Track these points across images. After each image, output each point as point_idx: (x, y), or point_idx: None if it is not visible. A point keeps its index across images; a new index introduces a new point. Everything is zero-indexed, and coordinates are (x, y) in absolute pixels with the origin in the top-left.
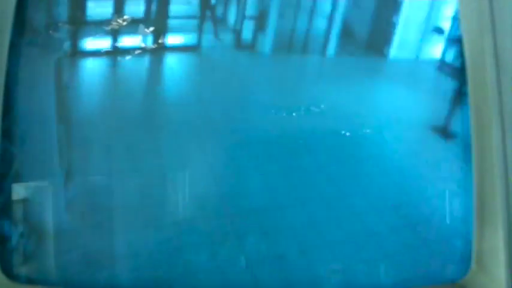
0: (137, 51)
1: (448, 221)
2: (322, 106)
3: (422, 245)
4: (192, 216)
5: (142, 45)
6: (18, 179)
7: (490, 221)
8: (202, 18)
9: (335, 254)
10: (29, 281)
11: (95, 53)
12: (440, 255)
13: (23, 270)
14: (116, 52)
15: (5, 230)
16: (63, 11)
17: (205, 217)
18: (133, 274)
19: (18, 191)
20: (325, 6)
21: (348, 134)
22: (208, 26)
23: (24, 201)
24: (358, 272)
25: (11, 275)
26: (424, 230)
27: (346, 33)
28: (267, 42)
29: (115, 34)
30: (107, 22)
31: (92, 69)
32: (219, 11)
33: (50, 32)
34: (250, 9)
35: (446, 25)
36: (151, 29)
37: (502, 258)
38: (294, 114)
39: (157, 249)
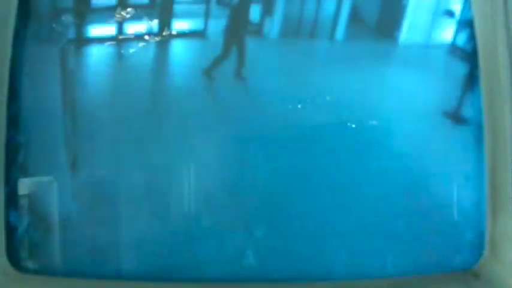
0: (143, 39)
1: (460, 207)
2: (328, 98)
3: (434, 232)
4: (199, 206)
5: (148, 32)
6: (24, 169)
7: (503, 206)
8: (207, 3)
9: (345, 242)
10: (37, 271)
11: (100, 41)
12: (452, 242)
13: (30, 262)
14: (121, 40)
15: (12, 222)
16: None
17: (212, 207)
18: (140, 265)
19: (25, 181)
20: None
21: (357, 121)
22: (214, 11)
23: (31, 191)
24: (368, 259)
25: (18, 266)
26: (435, 216)
27: (355, 16)
28: (274, 26)
29: (120, 22)
30: (112, 10)
31: (97, 58)
32: None
33: (54, 21)
34: None
35: (457, 7)
36: (157, 15)
37: None
38: (299, 106)
39: (164, 240)
